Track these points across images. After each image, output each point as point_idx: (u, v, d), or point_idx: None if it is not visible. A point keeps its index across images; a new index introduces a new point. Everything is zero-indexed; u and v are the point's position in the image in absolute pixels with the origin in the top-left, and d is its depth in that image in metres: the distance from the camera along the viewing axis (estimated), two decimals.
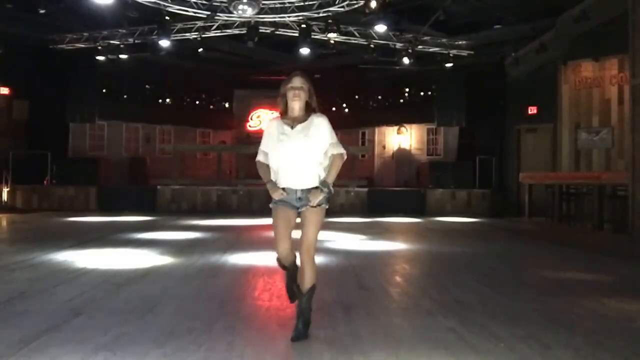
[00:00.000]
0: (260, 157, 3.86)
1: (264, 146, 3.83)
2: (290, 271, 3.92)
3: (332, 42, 15.61)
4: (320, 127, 3.75)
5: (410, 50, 16.10)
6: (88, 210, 14.93)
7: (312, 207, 3.71)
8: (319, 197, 3.71)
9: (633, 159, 9.56)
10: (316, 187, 3.72)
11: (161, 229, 10.74)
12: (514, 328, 4.01)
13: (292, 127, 3.74)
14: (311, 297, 3.80)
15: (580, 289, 5.61)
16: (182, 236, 9.70)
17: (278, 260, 3.92)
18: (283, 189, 3.72)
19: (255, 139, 21.78)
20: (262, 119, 22.45)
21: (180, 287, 5.42)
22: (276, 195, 3.74)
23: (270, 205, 3.84)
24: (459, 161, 18.07)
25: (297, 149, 3.69)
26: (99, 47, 16.22)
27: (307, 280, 3.79)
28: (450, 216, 14.81)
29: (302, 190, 3.72)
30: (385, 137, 20.92)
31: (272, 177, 3.78)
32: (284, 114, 3.83)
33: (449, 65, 16.62)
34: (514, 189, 15.64)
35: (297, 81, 3.77)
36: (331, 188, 3.76)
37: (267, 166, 3.81)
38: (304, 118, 3.77)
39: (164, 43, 15.44)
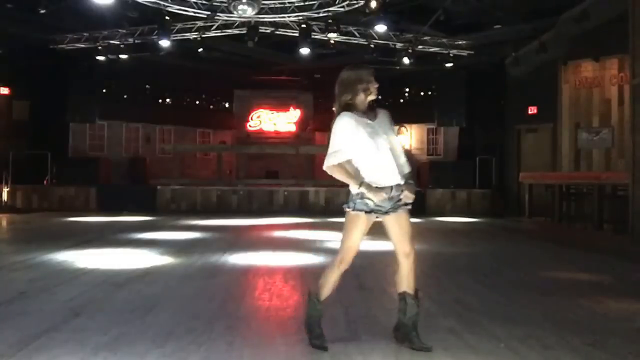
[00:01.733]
0: (340, 158, 3.43)
1: (344, 145, 3.42)
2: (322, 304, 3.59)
3: (332, 42, 15.60)
4: (391, 121, 3.62)
5: (410, 50, 16.09)
6: (88, 210, 14.93)
7: (407, 204, 3.50)
8: (414, 190, 3.50)
9: (633, 159, 9.55)
10: (407, 182, 3.48)
11: (161, 229, 10.74)
12: (514, 328, 4.01)
13: (372, 120, 3.51)
14: None
15: (580, 289, 5.61)
16: (182, 236, 9.69)
17: (335, 277, 3.59)
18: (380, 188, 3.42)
19: (255, 139, 21.94)
20: (262, 119, 22.45)
21: (180, 287, 5.42)
22: (377, 198, 3.40)
23: (356, 212, 3.46)
24: (459, 161, 18.06)
25: (385, 142, 3.46)
26: (99, 47, 16.20)
27: (413, 282, 3.57)
28: (450, 216, 14.81)
29: (395, 186, 3.45)
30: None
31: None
32: (352, 108, 3.51)
33: (449, 65, 16.61)
34: (514, 189, 15.63)
35: (374, 77, 3.57)
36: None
37: (351, 166, 3.45)
38: (373, 112, 3.56)
39: (164, 43, 15.43)
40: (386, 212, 3.51)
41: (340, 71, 3.66)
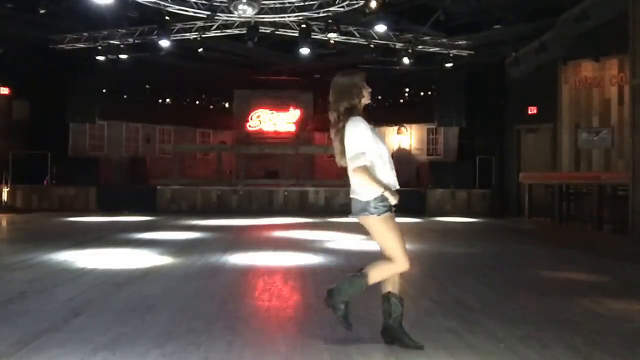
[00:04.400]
0: (365, 160, 3.45)
1: (367, 147, 3.47)
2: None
3: (332, 42, 15.59)
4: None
5: (410, 50, 16.09)
6: (88, 210, 14.93)
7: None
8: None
9: (633, 159, 9.56)
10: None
11: (161, 229, 10.74)
12: (514, 328, 4.01)
13: (373, 125, 3.59)
14: None
15: (579, 289, 5.61)
16: (182, 236, 9.69)
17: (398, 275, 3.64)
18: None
19: (255, 139, 21.94)
20: (262, 119, 22.46)
21: (180, 287, 5.42)
22: (396, 199, 3.49)
23: (388, 214, 3.50)
24: (459, 161, 18.06)
25: (387, 148, 3.61)
26: (99, 47, 16.20)
27: (397, 283, 3.70)
28: (450, 216, 14.81)
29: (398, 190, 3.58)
30: (385, 137, 20.89)
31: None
32: (354, 112, 3.58)
33: (449, 65, 16.60)
34: (514, 189, 15.63)
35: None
36: None
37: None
38: (368, 117, 3.64)
39: (164, 43, 15.42)
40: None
41: (334, 77, 3.67)
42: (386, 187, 3.46)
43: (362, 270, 3.56)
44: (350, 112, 3.54)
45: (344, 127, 3.51)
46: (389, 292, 3.61)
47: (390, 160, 3.58)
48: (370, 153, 3.47)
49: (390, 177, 3.54)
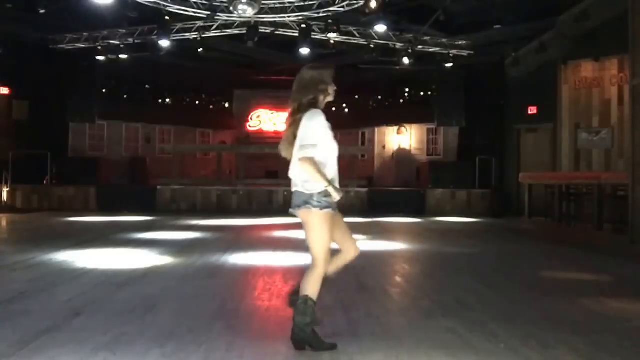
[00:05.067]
0: (315, 152, 3.40)
1: (321, 140, 3.43)
2: None
3: (332, 42, 15.61)
4: None
5: (410, 50, 16.10)
6: (88, 210, 14.93)
7: None
8: None
9: (633, 159, 9.54)
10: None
11: (161, 229, 10.74)
12: (514, 328, 4.01)
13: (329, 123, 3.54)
14: None
15: (580, 289, 5.61)
16: (182, 236, 9.69)
17: (321, 279, 3.55)
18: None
19: (255, 139, 21.94)
20: (262, 119, 22.46)
21: (180, 287, 5.42)
22: (339, 196, 3.44)
23: (329, 211, 3.45)
24: (459, 161, 18.06)
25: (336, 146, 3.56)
26: (99, 47, 16.22)
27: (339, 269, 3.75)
28: (450, 216, 14.81)
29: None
30: (385, 137, 20.92)
31: None
32: (316, 107, 3.53)
33: (448, 65, 16.62)
34: (514, 189, 15.63)
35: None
36: None
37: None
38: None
39: (164, 43, 15.43)
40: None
41: (303, 68, 3.63)
42: (330, 183, 3.40)
43: (300, 294, 3.48)
44: (312, 106, 3.51)
45: (301, 118, 3.47)
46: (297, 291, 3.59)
47: (337, 160, 3.55)
48: (325, 148, 3.44)
49: (336, 176, 3.52)
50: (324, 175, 3.40)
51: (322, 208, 3.42)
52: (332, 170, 3.49)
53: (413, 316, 4.44)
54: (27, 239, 9.46)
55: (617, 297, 5.24)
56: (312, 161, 3.38)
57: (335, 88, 3.59)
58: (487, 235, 11.17)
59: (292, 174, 3.52)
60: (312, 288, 3.48)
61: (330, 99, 3.60)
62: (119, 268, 6.31)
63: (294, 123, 3.51)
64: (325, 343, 3.49)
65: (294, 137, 3.47)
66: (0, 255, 7.40)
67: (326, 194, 3.42)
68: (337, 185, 3.49)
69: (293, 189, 3.53)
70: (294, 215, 3.56)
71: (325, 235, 3.48)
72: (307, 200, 3.43)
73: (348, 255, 3.75)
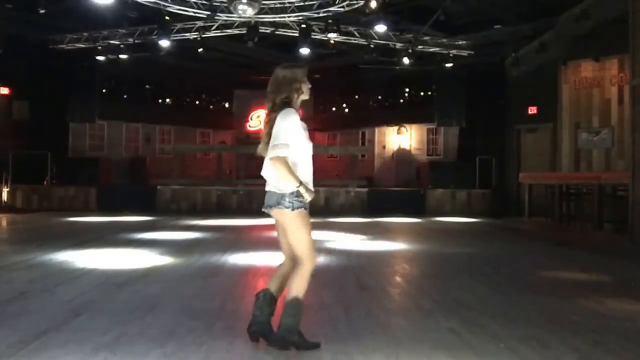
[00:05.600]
0: (287, 152, 3.41)
1: (293, 141, 3.43)
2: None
3: (332, 42, 15.60)
4: None
5: (410, 50, 16.09)
6: (88, 210, 14.92)
7: None
8: None
9: (633, 159, 9.55)
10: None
11: (161, 229, 10.74)
12: (514, 328, 4.01)
13: (304, 122, 3.56)
14: None
15: (580, 289, 5.62)
16: (182, 236, 9.69)
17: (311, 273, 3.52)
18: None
19: (255, 139, 21.88)
20: (262, 119, 22.38)
21: (180, 287, 5.42)
22: (311, 197, 3.43)
23: (302, 210, 3.45)
24: (459, 161, 18.06)
25: (311, 147, 3.57)
26: (99, 47, 16.21)
27: (286, 285, 3.64)
28: (450, 216, 14.81)
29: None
30: (385, 137, 20.92)
31: None
32: (290, 106, 3.54)
33: (449, 65, 16.61)
34: (514, 189, 15.64)
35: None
36: None
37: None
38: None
39: (164, 43, 15.43)
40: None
41: (277, 67, 3.64)
42: (302, 183, 3.40)
43: (289, 294, 3.48)
44: (286, 105, 3.52)
45: (275, 117, 3.49)
46: (268, 290, 3.57)
47: (310, 157, 3.54)
48: (298, 148, 3.44)
49: (309, 176, 3.51)
50: (295, 176, 3.40)
51: (293, 208, 3.43)
52: (306, 171, 3.49)
53: (413, 316, 4.44)
54: (27, 239, 9.45)
55: (617, 296, 5.24)
56: (283, 161, 3.38)
57: (309, 86, 3.60)
58: (487, 235, 11.16)
59: (264, 173, 3.55)
60: (300, 288, 3.47)
61: (305, 97, 3.60)
62: (119, 268, 6.31)
63: (269, 122, 3.53)
64: (309, 342, 3.48)
65: (269, 136, 3.48)
66: (0, 255, 7.40)
67: (298, 194, 3.41)
68: (310, 186, 3.49)
69: (266, 189, 3.55)
70: (268, 215, 3.57)
71: (305, 234, 3.47)
72: (279, 201, 3.44)
73: (283, 268, 3.66)
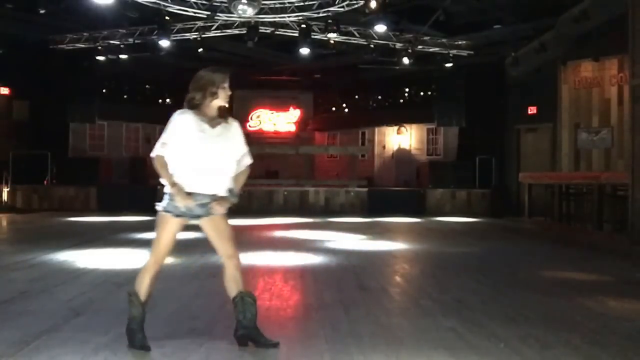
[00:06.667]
0: (163, 151, 3.39)
1: (171, 139, 3.38)
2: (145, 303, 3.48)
3: (332, 42, 15.59)
4: (238, 134, 3.56)
5: (410, 50, 16.09)
6: (88, 210, 14.93)
7: (218, 215, 3.49)
8: (226, 206, 3.51)
9: (633, 159, 9.54)
10: (225, 196, 3.50)
11: None
12: (514, 328, 4.02)
13: (212, 127, 3.44)
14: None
15: (580, 289, 5.62)
16: (182, 236, 9.62)
17: (149, 277, 3.48)
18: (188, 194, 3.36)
19: (255, 139, 21.92)
20: (262, 119, 22.46)
21: (181, 287, 5.42)
22: (183, 202, 3.35)
23: (162, 210, 3.43)
24: (459, 161, 18.05)
25: (217, 152, 3.40)
26: (99, 47, 16.20)
27: (242, 282, 3.62)
28: (450, 216, 14.81)
29: (211, 195, 3.42)
30: (385, 137, 20.91)
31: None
32: (199, 109, 3.47)
33: (448, 65, 16.61)
34: (514, 189, 15.63)
35: (228, 83, 3.51)
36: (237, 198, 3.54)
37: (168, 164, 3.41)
38: (220, 120, 3.50)
39: (164, 43, 15.42)
40: (198, 216, 3.47)
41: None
42: (175, 185, 3.35)
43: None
44: (187, 105, 3.49)
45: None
46: (240, 292, 3.54)
47: (218, 164, 3.43)
48: (176, 149, 3.37)
49: (194, 179, 3.38)
50: (168, 177, 3.37)
51: (162, 209, 3.44)
52: (187, 174, 3.37)
53: (413, 316, 4.44)
54: (27, 239, 9.45)
55: (617, 296, 5.25)
56: (157, 159, 3.39)
57: (229, 93, 3.52)
58: (486, 235, 11.17)
59: None
60: (137, 282, 3.50)
61: (220, 102, 3.50)
62: (119, 268, 6.31)
63: None
64: (269, 341, 3.49)
65: None
66: (0, 255, 7.40)
67: (171, 197, 3.40)
68: (201, 190, 3.39)
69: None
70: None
71: (159, 237, 3.48)
72: (161, 198, 3.46)
73: (227, 270, 3.62)
